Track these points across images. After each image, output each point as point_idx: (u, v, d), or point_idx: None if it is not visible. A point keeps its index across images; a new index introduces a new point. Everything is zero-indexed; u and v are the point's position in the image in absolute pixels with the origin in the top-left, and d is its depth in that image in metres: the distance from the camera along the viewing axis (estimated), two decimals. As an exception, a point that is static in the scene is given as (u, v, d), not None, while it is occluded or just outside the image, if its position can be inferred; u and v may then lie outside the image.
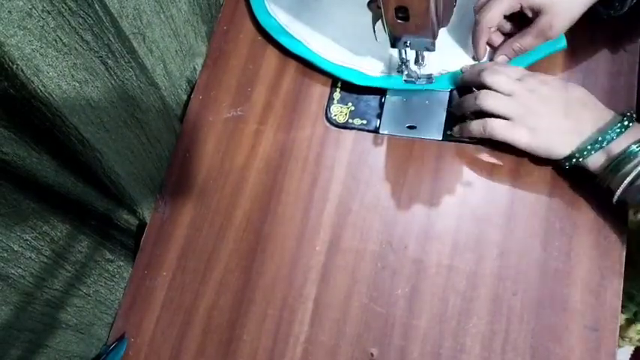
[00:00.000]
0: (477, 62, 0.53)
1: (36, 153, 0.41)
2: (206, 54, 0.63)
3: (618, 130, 0.43)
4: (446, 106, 0.54)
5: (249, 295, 0.52)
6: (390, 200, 0.52)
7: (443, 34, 0.55)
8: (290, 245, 0.53)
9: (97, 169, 0.47)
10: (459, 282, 0.48)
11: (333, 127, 0.56)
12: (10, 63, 0.35)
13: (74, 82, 0.40)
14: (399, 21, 0.45)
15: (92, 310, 0.51)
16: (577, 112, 0.45)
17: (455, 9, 0.54)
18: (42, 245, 0.43)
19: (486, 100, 0.47)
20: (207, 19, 0.63)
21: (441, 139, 0.53)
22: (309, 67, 0.59)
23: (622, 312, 0.61)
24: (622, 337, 0.69)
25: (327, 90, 0.58)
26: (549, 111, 0.46)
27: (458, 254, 0.49)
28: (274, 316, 0.51)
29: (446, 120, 0.53)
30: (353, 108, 0.56)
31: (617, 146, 0.42)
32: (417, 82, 0.54)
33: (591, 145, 0.43)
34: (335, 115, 0.56)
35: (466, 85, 0.52)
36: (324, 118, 0.57)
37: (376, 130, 0.55)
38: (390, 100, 0.56)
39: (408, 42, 0.48)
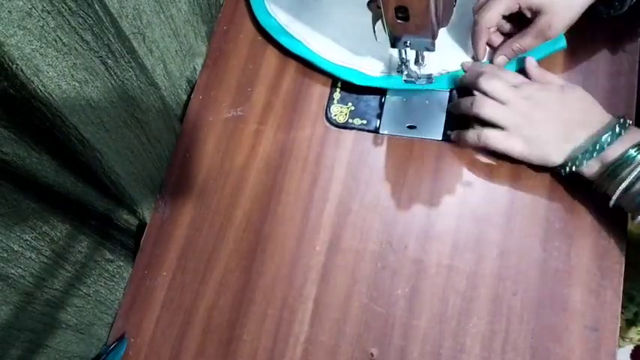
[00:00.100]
0: (476, 63, 0.53)
1: (36, 153, 0.41)
2: (206, 54, 0.63)
3: (610, 137, 0.42)
4: (446, 106, 0.54)
5: (249, 295, 0.52)
6: (390, 200, 0.52)
7: (443, 34, 0.55)
8: (290, 245, 0.53)
9: (97, 169, 0.47)
10: (459, 282, 0.48)
11: (333, 127, 0.56)
12: (10, 63, 0.35)
13: (74, 82, 0.40)
14: (399, 21, 0.45)
15: (92, 310, 0.51)
16: (572, 119, 0.45)
17: (455, 9, 0.54)
18: (42, 245, 0.43)
19: (482, 107, 0.47)
20: (207, 19, 0.63)
21: (440, 139, 0.53)
22: (309, 67, 0.59)
23: (622, 313, 0.61)
24: (622, 337, 0.69)
25: (327, 90, 0.58)
26: (544, 119, 0.46)
27: (458, 254, 0.49)
28: (274, 316, 0.51)
29: (446, 120, 0.53)
30: (353, 108, 0.56)
31: (613, 152, 0.42)
32: (417, 82, 0.54)
33: (583, 153, 0.43)
34: (335, 115, 0.56)
35: (465, 88, 0.52)
36: (324, 118, 0.57)
37: (376, 130, 0.55)
38: (390, 100, 0.56)
39: (408, 42, 0.48)
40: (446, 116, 0.54)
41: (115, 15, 0.45)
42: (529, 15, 0.48)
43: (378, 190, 0.53)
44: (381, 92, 0.56)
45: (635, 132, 0.43)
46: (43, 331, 0.46)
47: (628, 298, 0.61)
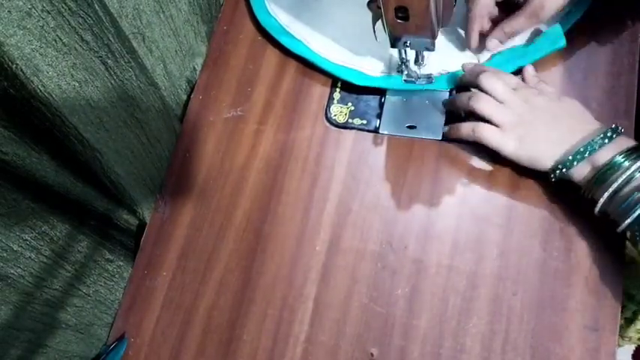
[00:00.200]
0: (477, 62, 0.54)
1: (35, 153, 0.41)
2: (206, 54, 0.63)
3: (601, 141, 0.42)
4: (446, 107, 0.54)
5: (249, 295, 0.52)
6: (390, 200, 0.52)
7: (443, 34, 0.55)
8: (290, 245, 0.53)
9: (97, 169, 0.47)
10: (459, 282, 0.48)
11: (333, 127, 0.56)
12: (10, 63, 0.34)
13: (74, 82, 0.40)
14: (399, 21, 0.45)
15: (92, 310, 0.51)
16: (566, 124, 0.45)
17: (455, 9, 0.54)
18: (41, 245, 0.43)
19: (479, 102, 0.48)
20: (207, 19, 0.63)
21: (440, 139, 0.53)
22: (309, 67, 0.59)
23: (622, 312, 0.61)
24: (622, 336, 0.69)
25: (327, 90, 0.58)
26: (539, 122, 0.46)
27: (458, 254, 0.49)
28: (274, 316, 0.51)
29: (446, 120, 0.53)
30: (353, 108, 0.56)
31: (602, 157, 0.42)
32: (416, 82, 0.54)
33: (573, 156, 0.43)
34: (335, 115, 0.56)
35: (465, 86, 0.52)
36: (324, 118, 0.57)
37: (376, 130, 0.55)
38: (390, 100, 0.56)
39: (408, 42, 0.48)
40: (446, 116, 0.54)
41: (115, 15, 0.45)
42: None
43: (378, 190, 0.53)
44: (381, 92, 0.56)
45: (625, 140, 0.43)
46: (42, 331, 0.46)
47: (627, 297, 0.61)
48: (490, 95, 0.48)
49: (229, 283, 0.53)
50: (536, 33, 0.52)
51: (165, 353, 0.52)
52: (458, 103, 0.51)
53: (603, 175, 0.42)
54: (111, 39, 0.43)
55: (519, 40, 0.53)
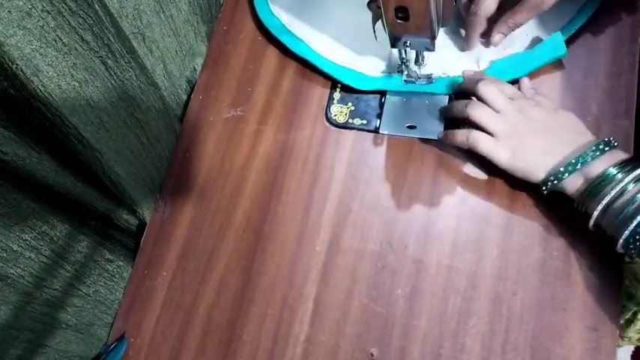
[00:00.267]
0: (477, 69, 0.54)
1: (36, 153, 0.41)
2: (206, 54, 0.63)
3: (593, 153, 0.42)
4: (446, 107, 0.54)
5: (249, 295, 0.52)
6: (390, 200, 0.52)
7: (443, 34, 0.55)
8: (290, 245, 0.53)
9: (97, 169, 0.47)
10: (459, 282, 0.48)
11: (333, 127, 0.56)
12: (10, 63, 0.34)
13: (74, 82, 0.40)
14: (399, 21, 0.45)
15: (92, 310, 0.51)
16: (559, 136, 0.45)
17: (455, 9, 0.54)
18: (41, 245, 0.43)
19: (475, 110, 0.48)
20: (207, 19, 0.63)
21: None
22: (309, 67, 0.59)
23: (622, 312, 0.61)
24: (622, 337, 0.69)
25: (327, 90, 0.58)
26: (533, 133, 0.46)
27: (458, 254, 0.49)
28: (274, 316, 0.51)
29: (444, 122, 0.53)
30: (353, 108, 0.56)
31: (594, 170, 0.42)
32: (416, 83, 0.54)
33: (565, 167, 0.43)
34: (335, 115, 0.56)
35: (463, 93, 0.52)
36: (324, 118, 0.57)
37: (376, 130, 0.55)
38: (390, 100, 0.56)
39: (408, 42, 0.48)
40: (444, 119, 0.53)
41: (115, 15, 0.45)
42: None
43: (378, 190, 0.53)
44: (381, 92, 0.56)
45: (619, 153, 0.43)
46: (42, 331, 0.46)
47: (627, 297, 0.61)
48: (487, 104, 0.48)
49: (229, 283, 0.53)
50: (537, 40, 0.52)
51: (165, 353, 0.52)
52: (454, 110, 0.51)
53: (596, 187, 0.41)
54: (111, 39, 0.43)
55: (519, 46, 0.53)
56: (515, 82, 0.52)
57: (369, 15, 0.48)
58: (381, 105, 0.56)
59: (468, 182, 0.51)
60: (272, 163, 0.56)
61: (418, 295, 0.48)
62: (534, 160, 0.45)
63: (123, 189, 0.51)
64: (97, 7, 0.40)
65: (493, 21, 0.52)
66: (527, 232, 0.48)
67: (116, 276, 0.54)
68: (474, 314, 0.47)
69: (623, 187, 0.40)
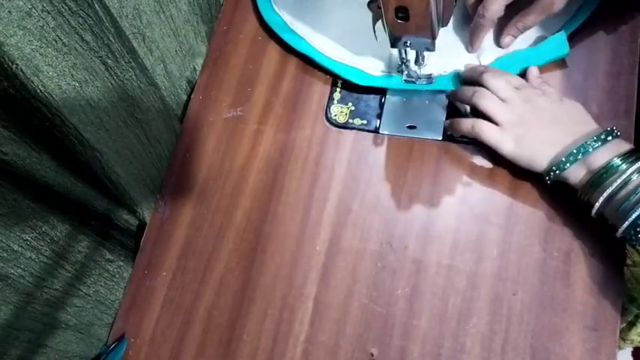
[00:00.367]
0: (479, 64, 0.54)
1: (36, 153, 0.41)
2: (206, 54, 0.63)
3: (594, 143, 0.42)
4: (446, 106, 0.54)
5: (249, 295, 0.52)
6: (390, 200, 0.52)
7: (443, 34, 0.55)
8: (290, 245, 0.53)
9: (97, 169, 0.47)
10: (459, 282, 0.48)
11: (333, 127, 0.56)
12: (10, 63, 0.34)
13: (74, 82, 0.40)
14: (399, 21, 0.45)
15: (92, 310, 0.51)
16: (563, 126, 0.45)
17: (455, 9, 0.54)
18: (42, 245, 0.43)
19: (482, 98, 0.48)
20: (207, 19, 0.63)
21: (440, 139, 0.53)
22: (310, 65, 0.59)
23: (623, 314, 0.61)
24: (624, 339, 0.69)
25: (327, 90, 0.58)
26: (538, 123, 0.46)
27: (458, 254, 0.49)
28: (274, 316, 0.51)
29: (446, 120, 0.53)
30: (353, 108, 0.56)
31: (598, 160, 0.42)
32: (417, 82, 0.54)
33: (566, 157, 0.43)
34: (335, 115, 0.56)
35: (467, 82, 0.52)
36: (324, 118, 0.57)
37: (376, 130, 0.55)
38: (390, 100, 0.56)
39: (408, 42, 0.48)
40: (446, 116, 0.54)
41: (115, 15, 0.45)
42: None
43: (378, 190, 0.53)
44: (381, 92, 0.56)
45: (622, 143, 0.43)
46: (42, 331, 0.46)
47: (629, 300, 0.61)
48: (493, 93, 0.48)
49: (229, 283, 0.53)
50: (541, 38, 0.52)
51: (165, 353, 0.52)
52: (461, 95, 0.51)
53: (599, 178, 0.42)
54: (111, 39, 0.43)
55: (522, 43, 0.53)
56: (520, 76, 0.52)
57: (369, 15, 0.48)
58: (381, 105, 0.56)
59: (468, 182, 0.51)
60: (272, 163, 0.56)
61: (418, 295, 0.48)
62: (538, 150, 0.45)
63: (123, 189, 0.51)
64: (97, 7, 0.40)
65: (498, 22, 0.52)
66: (528, 232, 0.48)
67: (116, 276, 0.54)
68: (474, 314, 0.47)
69: (626, 177, 0.40)
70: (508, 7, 0.50)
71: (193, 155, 0.59)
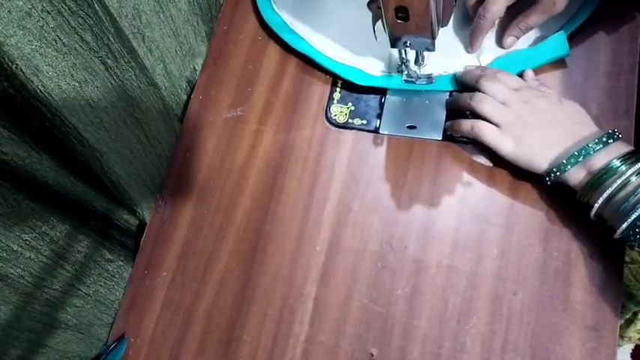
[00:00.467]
0: (479, 64, 0.54)
1: (35, 153, 0.41)
2: (206, 54, 0.63)
3: (595, 146, 0.42)
4: (446, 107, 0.54)
5: (249, 295, 0.52)
6: (390, 200, 0.52)
7: (443, 34, 0.55)
8: (290, 245, 0.53)
9: (97, 169, 0.47)
10: (459, 282, 0.48)
11: (333, 127, 0.56)
12: (10, 63, 0.34)
13: (74, 82, 0.40)
14: (399, 21, 0.45)
15: (92, 310, 0.51)
16: (564, 127, 0.45)
17: (455, 9, 0.54)
18: (41, 245, 0.43)
19: (479, 103, 0.48)
20: (207, 19, 0.63)
21: (440, 139, 0.53)
22: (310, 65, 0.59)
23: (622, 312, 0.61)
24: (622, 336, 0.69)
25: (327, 90, 0.58)
26: (538, 124, 0.46)
27: (458, 254, 0.49)
28: (274, 316, 0.51)
29: (446, 120, 0.53)
30: (353, 108, 0.56)
31: (598, 162, 0.42)
32: (417, 83, 0.54)
33: (567, 159, 0.43)
34: (335, 115, 0.56)
35: (465, 86, 0.52)
36: (324, 118, 0.57)
37: (376, 130, 0.55)
38: (390, 100, 0.56)
39: (408, 42, 0.48)
40: (446, 116, 0.54)
41: (115, 15, 0.45)
42: None
43: (378, 190, 0.53)
44: (381, 92, 0.56)
45: (623, 145, 0.43)
46: (42, 331, 0.46)
47: (628, 297, 0.61)
48: (491, 97, 0.48)
49: (229, 283, 0.53)
50: (540, 38, 0.52)
51: (165, 353, 0.52)
52: (459, 101, 0.51)
53: (599, 179, 0.42)
54: (111, 39, 0.43)
55: (522, 43, 0.53)
56: (518, 76, 0.52)
57: (369, 15, 0.48)
58: (381, 105, 0.56)
59: (468, 182, 0.51)
60: (272, 163, 0.56)
61: (418, 295, 0.48)
62: (538, 151, 0.45)
63: (123, 189, 0.51)
64: (96, 7, 0.40)
65: (499, 22, 0.52)
66: (528, 232, 0.48)
67: (116, 276, 0.54)
68: (474, 314, 0.47)
69: (625, 179, 0.40)
70: (508, 8, 0.50)
71: (193, 155, 0.59)
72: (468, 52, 0.54)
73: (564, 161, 0.43)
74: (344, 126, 0.56)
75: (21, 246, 0.41)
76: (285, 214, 0.54)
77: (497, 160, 0.50)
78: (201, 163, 0.58)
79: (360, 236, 0.51)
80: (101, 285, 0.52)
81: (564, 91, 0.51)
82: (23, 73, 0.35)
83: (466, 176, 0.51)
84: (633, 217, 0.39)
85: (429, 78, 0.53)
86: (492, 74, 0.49)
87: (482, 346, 0.46)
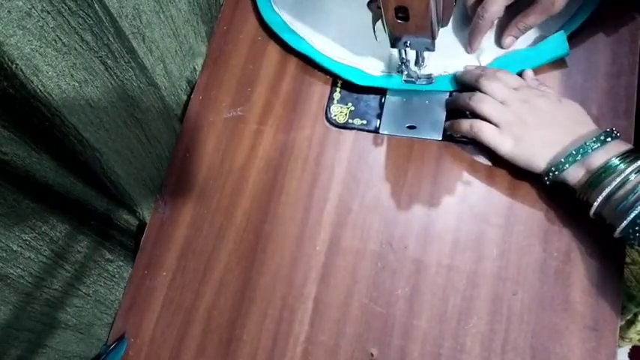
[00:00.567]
0: (478, 65, 0.54)
1: (35, 153, 0.41)
2: (206, 54, 0.63)
3: (593, 144, 0.42)
4: (446, 107, 0.54)
5: (249, 295, 0.52)
6: (390, 200, 0.52)
7: (443, 34, 0.55)
8: (290, 245, 0.53)
9: (97, 169, 0.47)
10: (459, 282, 0.48)
11: (333, 127, 0.56)
12: (10, 63, 0.34)
13: (74, 82, 0.40)
14: (399, 21, 0.45)
15: (92, 310, 0.51)
16: (563, 127, 0.45)
17: (455, 9, 0.54)
18: (41, 245, 0.43)
19: (479, 102, 0.48)
20: (207, 19, 0.63)
21: (440, 139, 0.53)
22: (310, 65, 0.59)
23: (622, 313, 0.61)
24: (622, 338, 0.69)
25: (327, 90, 0.58)
26: (537, 123, 0.46)
27: (458, 254, 0.49)
28: (274, 316, 0.51)
29: (446, 120, 0.53)
30: (353, 108, 0.56)
31: (596, 161, 0.42)
32: (417, 83, 0.54)
33: (565, 158, 0.43)
34: (335, 115, 0.56)
35: (465, 86, 0.52)
36: (324, 118, 0.57)
37: (376, 130, 0.55)
38: (390, 100, 0.56)
39: (408, 42, 0.48)
40: (446, 116, 0.54)
41: (115, 15, 0.45)
42: None
43: (378, 190, 0.53)
44: (381, 92, 0.56)
45: (621, 144, 0.43)
46: (42, 331, 0.45)
47: (628, 298, 0.61)
48: (490, 96, 0.48)
49: (229, 283, 0.53)
50: (540, 38, 0.52)
51: (165, 353, 0.52)
52: (459, 101, 0.51)
53: (598, 178, 0.42)
54: (111, 39, 0.43)
55: (521, 43, 0.53)
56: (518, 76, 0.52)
57: (369, 15, 0.48)
58: (381, 105, 0.56)
59: (468, 182, 0.51)
60: (272, 163, 0.56)
61: (418, 295, 0.48)
62: (537, 151, 0.45)
63: (123, 189, 0.51)
64: (96, 7, 0.40)
65: (498, 22, 0.52)
66: (527, 232, 0.48)
67: (116, 276, 0.54)
68: (474, 314, 0.47)
69: (624, 177, 0.40)
70: (507, 8, 0.50)
71: (193, 155, 0.59)
72: (468, 53, 0.54)
73: (562, 160, 0.43)
74: (344, 126, 0.56)
75: (21, 246, 0.41)
76: (285, 214, 0.54)
77: (497, 160, 0.50)
78: (201, 163, 0.58)
79: (360, 236, 0.51)
80: (101, 285, 0.52)
81: (564, 91, 0.51)
82: (23, 72, 0.35)
83: (466, 176, 0.51)
84: (632, 215, 0.39)
85: (429, 78, 0.53)
86: (492, 73, 0.50)
87: (482, 346, 0.46)
